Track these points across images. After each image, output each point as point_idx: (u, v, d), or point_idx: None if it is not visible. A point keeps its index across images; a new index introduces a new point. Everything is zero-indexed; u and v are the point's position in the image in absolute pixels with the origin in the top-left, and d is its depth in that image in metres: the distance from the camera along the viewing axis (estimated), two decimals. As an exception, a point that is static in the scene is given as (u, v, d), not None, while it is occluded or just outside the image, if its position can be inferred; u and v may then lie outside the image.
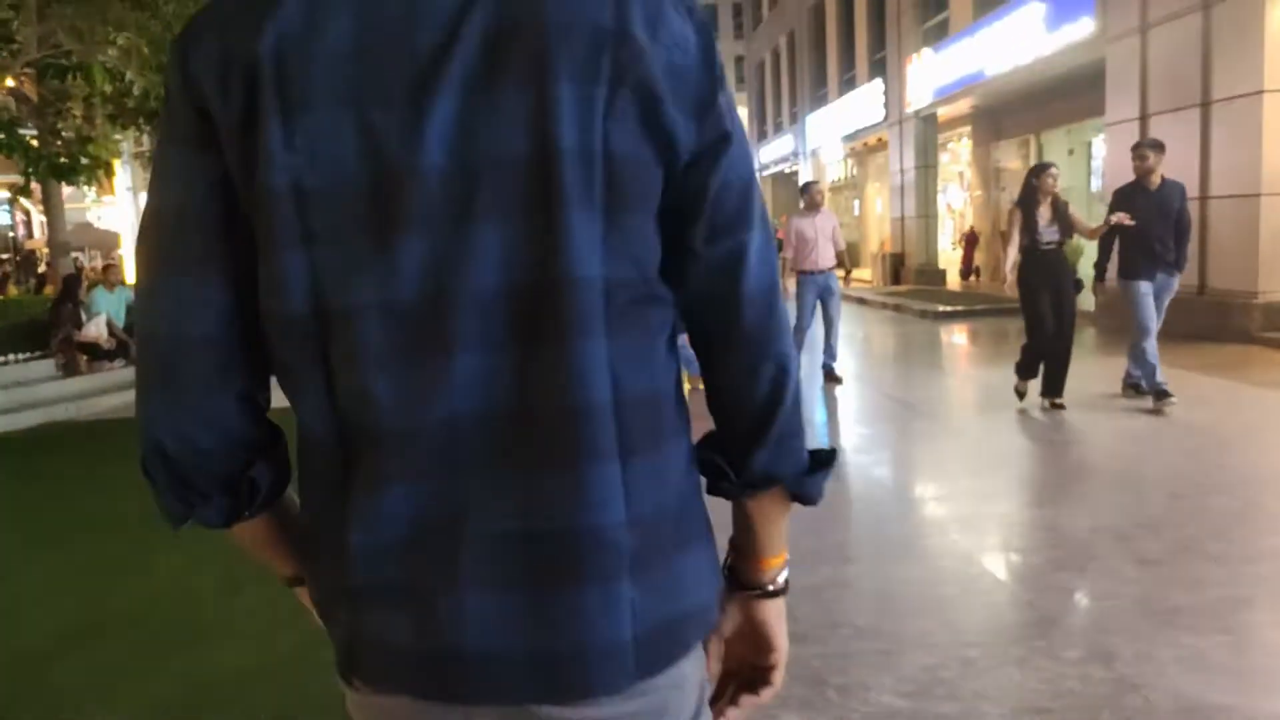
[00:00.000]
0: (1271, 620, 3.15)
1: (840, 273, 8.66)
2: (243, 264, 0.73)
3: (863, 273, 21.37)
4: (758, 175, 1.08)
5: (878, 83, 20.81)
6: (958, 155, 20.65)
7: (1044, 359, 6.63)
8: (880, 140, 22.06)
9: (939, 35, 17.97)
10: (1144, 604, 3.26)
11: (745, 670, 0.87)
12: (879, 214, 23.87)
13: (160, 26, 10.51)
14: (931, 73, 17.54)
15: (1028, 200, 6.61)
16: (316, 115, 0.69)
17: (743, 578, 0.86)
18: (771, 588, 0.86)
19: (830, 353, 8.39)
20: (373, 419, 0.70)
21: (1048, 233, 6.59)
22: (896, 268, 19.84)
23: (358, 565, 0.72)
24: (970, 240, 19.32)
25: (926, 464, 5.60)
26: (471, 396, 0.70)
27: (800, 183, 11.33)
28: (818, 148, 25.81)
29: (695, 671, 0.79)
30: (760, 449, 0.79)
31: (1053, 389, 6.70)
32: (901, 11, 19.67)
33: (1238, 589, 3.35)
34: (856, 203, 25.93)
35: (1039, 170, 6.74)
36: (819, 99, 26.49)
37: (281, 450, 0.83)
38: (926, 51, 17.82)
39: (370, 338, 0.69)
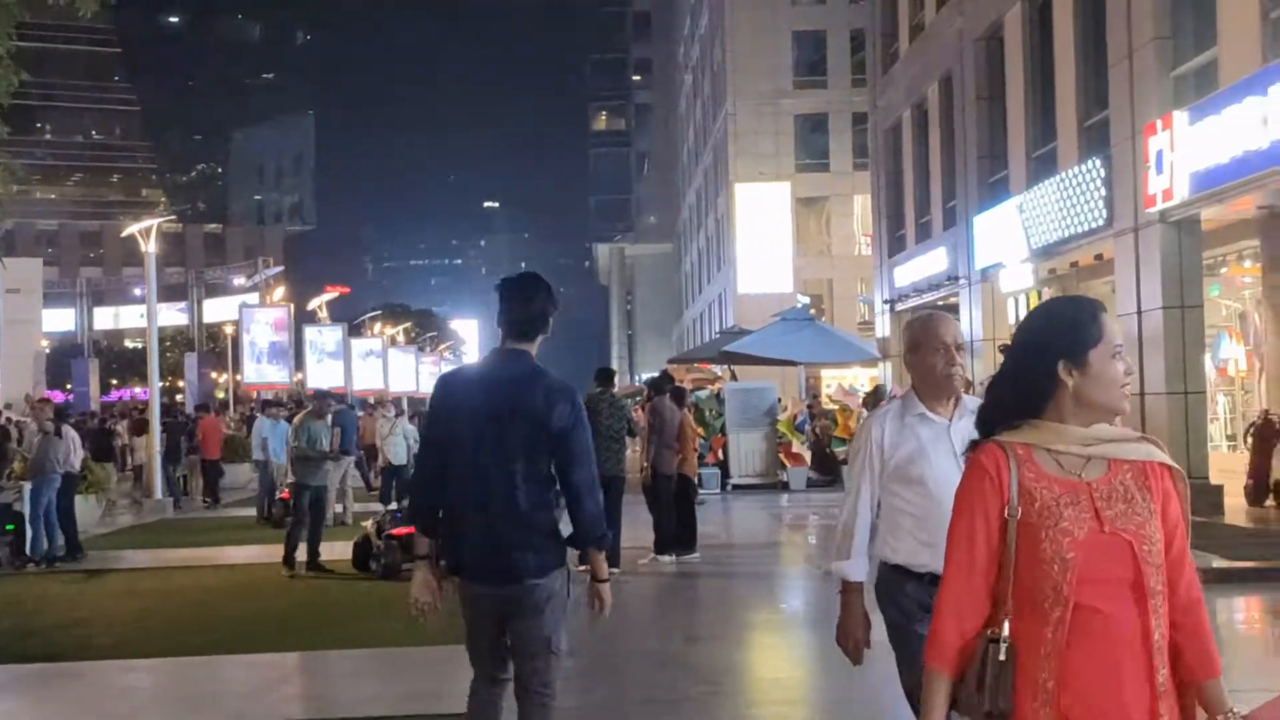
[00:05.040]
0: None
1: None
2: (441, 456, 5.09)
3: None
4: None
5: (1094, 163, 17.67)
6: (1236, 287, 17.93)
7: None
8: (1101, 258, 18.95)
9: (1201, 88, 15.49)
10: None
11: (597, 603, 5.22)
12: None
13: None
14: (1190, 149, 14.86)
15: None
16: (459, 419, 4.93)
17: (594, 577, 5.24)
18: (601, 580, 5.14)
19: None
20: (466, 502, 4.96)
21: None
22: (1138, 475, 15.68)
23: (465, 539, 4.96)
24: (1265, 435, 15.46)
25: None
26: (493, 499, 4.87)
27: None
28: (994, 266, 22.10)
29: (554, 583, 4.86)
30: (580, 531, 5.10)
31: None
32: (1135, 47, 16.28)
33: None
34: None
35: None
36: (994, 187, 22.76)
37: (438, 515, 5.36)
38: (1179, 115, 15.07)
39: (468, 480, 4.88)
